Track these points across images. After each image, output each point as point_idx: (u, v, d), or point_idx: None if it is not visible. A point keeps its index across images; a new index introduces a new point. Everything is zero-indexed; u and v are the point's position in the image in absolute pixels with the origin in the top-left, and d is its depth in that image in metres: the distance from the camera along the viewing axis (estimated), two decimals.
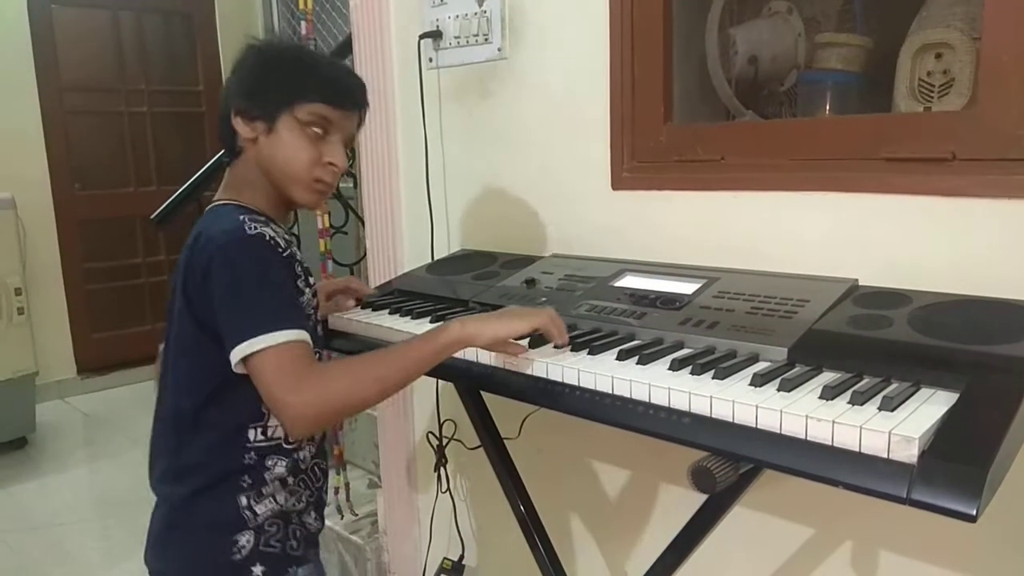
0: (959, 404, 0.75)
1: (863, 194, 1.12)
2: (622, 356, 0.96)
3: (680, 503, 1.41)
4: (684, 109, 1.45)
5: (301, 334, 0.92)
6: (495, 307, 1.25)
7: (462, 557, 1.86)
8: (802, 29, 1.50)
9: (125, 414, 3.77)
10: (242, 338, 0.90)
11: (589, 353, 0.99)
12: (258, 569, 1.01)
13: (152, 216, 2.57)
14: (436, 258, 1.70)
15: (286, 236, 1.06)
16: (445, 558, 1.87)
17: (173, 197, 2.54)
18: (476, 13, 1.60)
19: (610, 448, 1.54)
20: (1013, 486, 0.77)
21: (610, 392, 0.90)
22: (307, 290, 1.07)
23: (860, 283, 1.08)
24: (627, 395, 0.88)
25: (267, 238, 0.97)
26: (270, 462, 1.03)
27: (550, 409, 0.98)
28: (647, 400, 0.86)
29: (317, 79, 1.05)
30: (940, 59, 1.23)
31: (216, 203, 1.07)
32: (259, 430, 1.03)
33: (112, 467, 3.18)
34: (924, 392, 0.79)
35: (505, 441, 1.43)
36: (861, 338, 0.92)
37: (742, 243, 1.26)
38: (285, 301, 0.96)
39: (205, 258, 0.95)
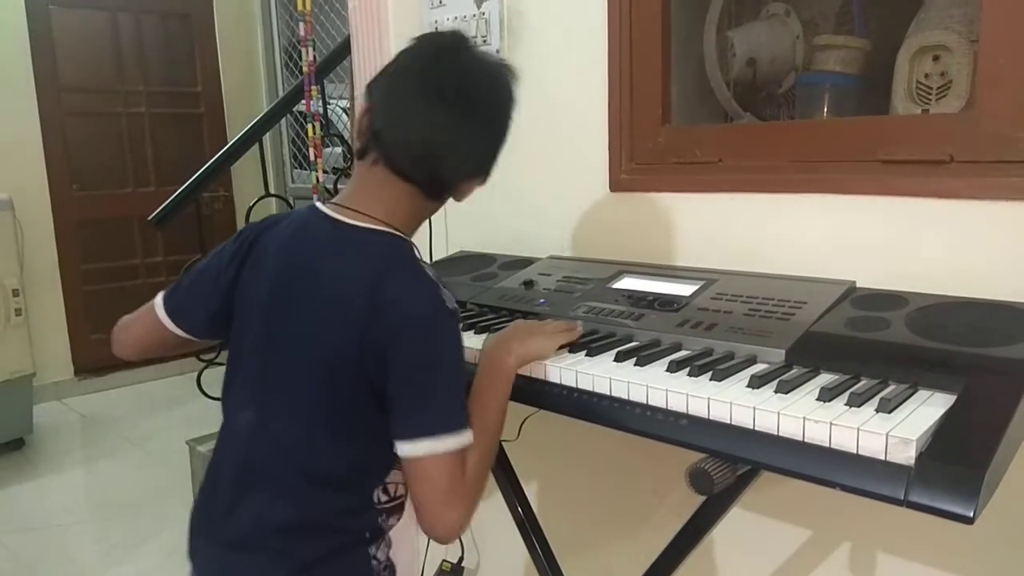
0: (956, 406, 0.75)
1: (861, 196, 1.12)
2: (620, 358, 0.96)
3: (678, 505, 1.41)
4: (682, 111, 1.45)
5: (470, 435, 0.86)
6: (494, 309, 1.25)
7: (461, 559, 1.85)
8: (800, 31, 1.50)
9: (123, 415, 3.76)
10: (427, 432, 0.83)
11: (587, 355, 0.99)
12: None
13: (150, 217, 2.56)
14: (434, 260, 1.70)
15: None
16: (444, 560, 1.87)
17: (172, 198, 2.54)
18: (475, 15, 1.60)
19: (608, 450, 1.54)
20: (1010, 488, 0.77)
21: (608, 394, 0.90)
22: None
23: (858, 285, 1.08)
24: (625, 397, 0.88)
25: (458, 313, 0.89)
26: (392, 520, 1.01)
27: (548, 411, 0.98)
28: (645, 402, 0.87)
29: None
30: (938, 61, 1.23)
31: (375, 226, 0.92)
32: (381, 490, 0.98)
33: (110, 468, 3.17)
34: (921, 394, 0.80)
35: (504, 443, 1.43)
36: (859, 340, 0.92)
37: (740, 245, 1.26)
38: (464, 392, 0.88)
39: (398, 324, 0.85)
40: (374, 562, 0.97)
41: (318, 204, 0.97)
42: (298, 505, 0.90)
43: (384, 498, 0.98)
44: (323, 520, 0.91)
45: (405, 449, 0.84)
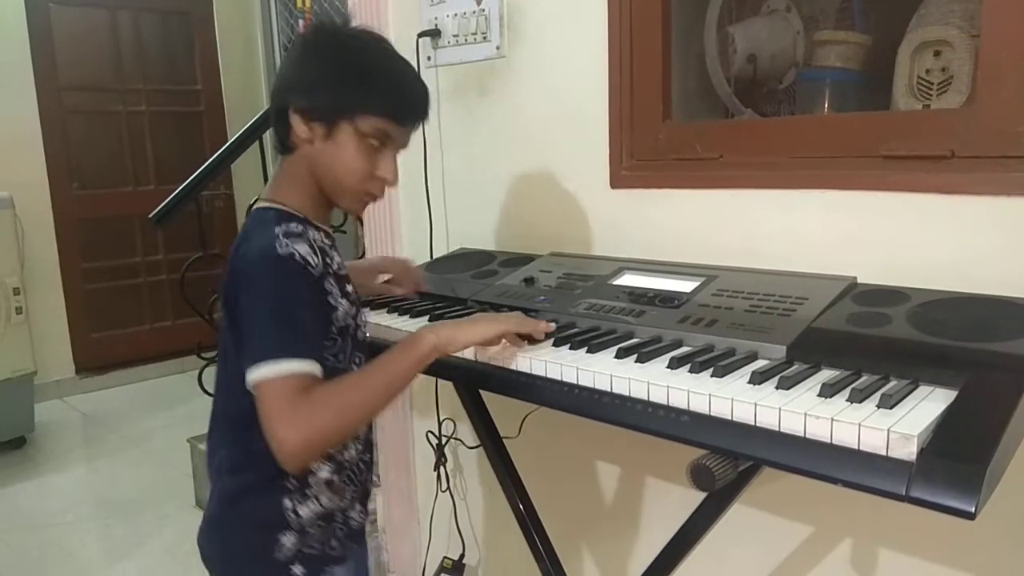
0: (958, 401, 0.75)
1: (862, 192, 1.12)
2: (621, 354, 0.96)
3: (679, 501, 1.41)
4: (683, 107, 1.45)
5: (306, 364, 0.90)
6: (494, 306, 1.25)
7: (462, 556, 1.86)
8: (801, 27, 1.50)
9: (124, 414, 3.76)
10: (250, 363, 0.89)
11: (588, 351, 0.99)
12: (298, 569, 1.02)
13: (151, 215, 2.56)
14: (435, 257, 1.70)
15: (325, 241, 1.04)
16: (445, 557, 1.88)
17: (172, 196, 2.53)
18: (475, 11, 1.60)
19: (609, 446, 1.54)
20: (1011, 483, 0.77)
21: (609, 390, 0.90)
22: (343, 301, 1.03)
23: (859, 281, 1.08)
24: (626, 393, 0.88)
25: (297, 258, 0.95)
26: (314, 466, 1.03)
27: (549, 407, 0.98)
28: (646, 398, 0.87)
29: (386, 91, 1.01)
30: (939, 57, 1.23)
31: (260, 205, 1.05)
32: None
33: (111, 467, 3.17)
34: (923, 389, 0.79)
35: (505, 440, 1.43)
36: (860, 336, 0.92)
37: (741, 241, 1.26)
38: (298, 328, 0.93)
39: (239, 272, 0.96)
40: (291, 515, 1.01)
41: None
42: (229, 443, 1.05)
43: None
44: (241, 460, 1.03)
45: (247, 380, 0.90)
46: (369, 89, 1.00)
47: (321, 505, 1.03)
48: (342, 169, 1.02)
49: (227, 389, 1.03)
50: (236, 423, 1.01)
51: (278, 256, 0.94)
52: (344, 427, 0.94)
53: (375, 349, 1.16)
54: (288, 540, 1.01)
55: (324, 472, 1.04)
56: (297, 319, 0.93)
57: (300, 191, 1.04)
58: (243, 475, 1.02)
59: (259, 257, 0.95)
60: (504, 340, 1.04)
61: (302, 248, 0.96)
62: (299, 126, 1.01)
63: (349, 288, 1.06)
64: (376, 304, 1.35)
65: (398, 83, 1.03)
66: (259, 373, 0.88)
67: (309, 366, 0.91)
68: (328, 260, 1.02)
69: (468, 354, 1.05)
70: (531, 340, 1.05)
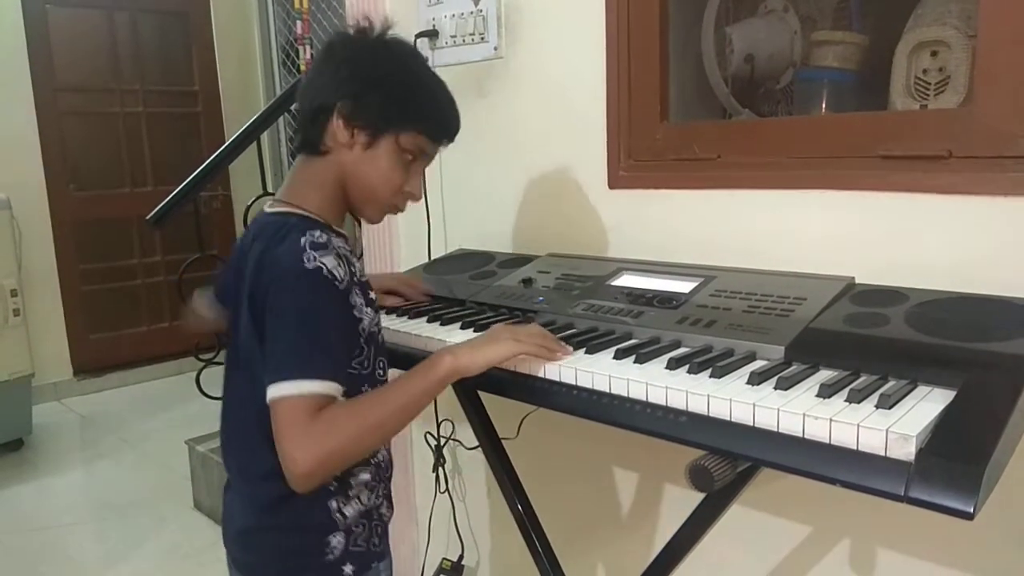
0: (956, 402, 0.75)
1: (859, 192, 1.12)
2: (619, 355, 0.96)
3: (678, 502, 1.41)
4: (680, 108, 1.45)
5: (326, 386, 0.89)
6: (492, 307, 1.25)
7: (461, 557, 1.86)
8: (798, 27, 1.50)
9: (121, 416, 3.76)
10: (271, 379, 0.88)
11: (586, 352, 0.99)
12: (348, 568, 1.02)
13: (148, 217, 2.56)
14: (433, 258, 1.69)
15: (346, 247, 1.01)
16: (444, 558, 1.87)
17: (169, 198, 2.53)
18: (472, 12, 1.60)
19: (608, 447, 1.54)
20: (1010, 483, 0.77)
21: (607, 391, 0.90)
22: (368, 310, 1.02)
23: (857, 281, 1.08)
24: (624, 394, 0.88)
25: (324, 272, 0.93)
26: (356, 468, 1.02)
27: (548, 409, 0.98)
28: (644, 399, 0.86)
29: (433, 111, 1.03)
30: (936, 57, 1.23)
31: (278, 208, 1.02)
32: None
33: (109, 469, 3.17)
34: (921, 390, 0.80)
35: (503, 441, 1.43)
36: (858, 336, 0.92)
37: (739, 242, 1.26)
38: (322, 347, 0.92)
39: (266, 283, 0.93)
40: (338, 516, 1.01)
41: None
42: (254, 447, 1.00)
43: None
44: (277, 464, 0.96)
45: (267, 395, 0.89)
46: (419, 106, 1.01)
47: (362, 503, 1.04)
48: (379, 179, 1.01)
49: (252, 392, 0.97)
50: (265, 427, 0.95)
51: (305, 271, 0.92)
52: (356, 451, 0.93)
53: None
54: (337, 541, 1.01)
55: (364, 475, 1.03)
56: (322, 338, 0.92)
57: (323, 195, 1.03)
58: (280, 481, 0.95)
59: (285, 270, 0.93)
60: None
61: (329, 261, 0.94)
62: (341, 130, 0.99)
63: (372, 295, 1.05)
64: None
65: (445, 104, 1.05)
66: (279, 391, 0.87)
67: (329, 388, 0.90)
68: (352, 269, 0.99)
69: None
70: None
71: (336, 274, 0.94)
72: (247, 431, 1.01)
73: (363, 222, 1.96)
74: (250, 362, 0.97)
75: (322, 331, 0.92)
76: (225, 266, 1.12)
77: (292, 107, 3.06)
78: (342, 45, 1.02)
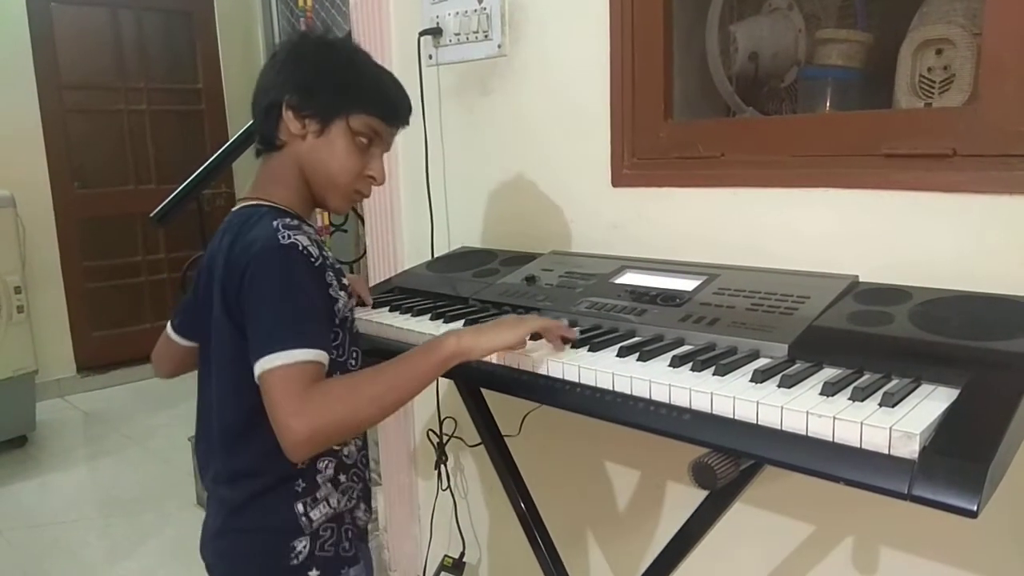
0: (960, 400, 0.75)
1: (864, 190, 1.12)
2: (623, 353, 0.96)
3: (681, 499, 1.41)
4: (684, 106, 1.44)
5: (316, 354, 0.90)
6: (495, 304, 1.25)
7: (463, 554, 1.86)
8: (802, 25, 1.50)
9: (125, 412, 3.77)
10: (260, 354, 0.89)
11: (590, 350, 0.99)
12: (314, 573, 1.02)
13: (152, 214, 2.56)
14: (436, 255, 1.70)
15: (317, 238, 1.03)
16: (446, 555, 1.88)
17: (173, 195, 2.53)
18: (476, 10, 1.60)
19: (611, 445, 1.54)
20: (1014, 482, 0.77)
21: (611, 389, 0.90)
22: (342, 293, 1.04)
23: (861, 279, 1.08)
24: (628, 392, 0.88)
25: (300, 248, 0.96)
26: (321, 464, 1.03)
27: (551, 406, 0.98)
28: (648, 397, 0.86)
29: (377, 92, 1.06)
30: (941, 55, 1.23)
31: (247, 203, 1.05)
32: None
33: (112, 465, 3.18)
34: (925, 388, 0.79)
35: (506, 438, 1.43)
36: (862, 334, 0.92)
37: (742, 240, 1.26)
38: (307, 317, 0.93)
39: (242, 266, 0.94)
40: (303, 519, 1.01)
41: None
42: (225, 453, 1.03)
43: None
44: (243, 468, 1.01)
45: (255, 371, 0.90)
46: (363, 88, 1.05)
47: (331, 507, 1.03)
48: (336, 166, 1.04)
49: (220, 397, 1.02)
50: (231, 431, 1.01)
51: (281, 246, 0.95)
52: (354, 422, 0.93)
53: (377, 350, 1.16)
54: (302, 545, 1.01)
55: (329, 470, 1.03)
56: (305, 308, 0.94)
57: (288, 189, 1.06)
58: (246, 483, 1.01)
59: (262, 248, 0.94)
60: (528, 341, 1.01)
61: (303, 239, 0.97)
62: (292, 121, 1.03)
63: (345, 281, 1.07)
64: (377, 303, 1.35)
65: (387, 86, 1.10)
66: (270, 362, 0.88)
67: (319, 355, 0.91)
68: (324, 253, 1.02)
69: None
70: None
71: (311, 252, 0.97)
72: (224, 433, 1.02)
73: (366, 220, 1.97)
74: (227, 362, 0.98)
75: (305, 302, 0.94)
76: (183, 298, 1.16)
77: None
78: (285, 48, 1.07)
